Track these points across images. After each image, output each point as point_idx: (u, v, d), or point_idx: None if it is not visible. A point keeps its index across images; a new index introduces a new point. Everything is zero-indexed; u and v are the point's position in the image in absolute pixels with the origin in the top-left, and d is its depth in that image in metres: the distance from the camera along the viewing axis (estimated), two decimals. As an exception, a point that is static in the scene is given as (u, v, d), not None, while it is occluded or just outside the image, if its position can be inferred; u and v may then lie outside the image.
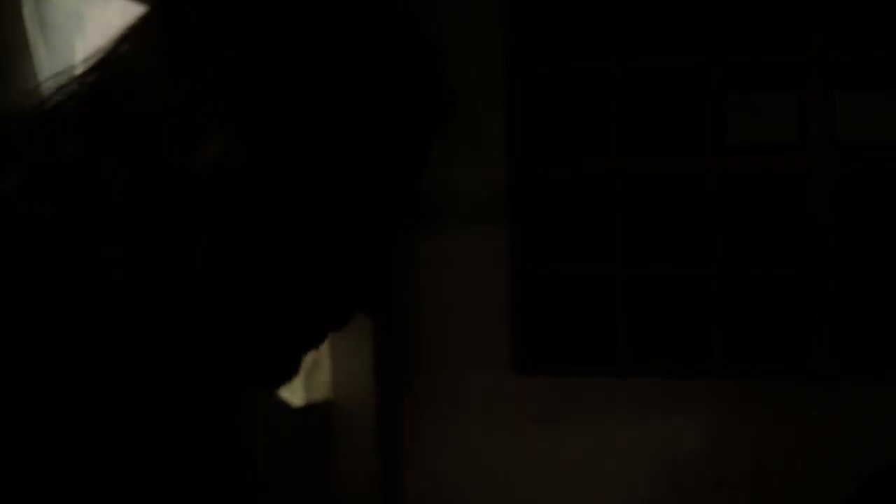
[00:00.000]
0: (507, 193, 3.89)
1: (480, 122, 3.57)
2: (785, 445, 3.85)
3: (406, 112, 0.76)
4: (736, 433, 3.91)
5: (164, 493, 0.76)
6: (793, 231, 3.94)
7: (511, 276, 3.95)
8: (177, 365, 0.77)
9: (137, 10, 2.50)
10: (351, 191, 0.74)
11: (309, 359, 0.84)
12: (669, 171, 4.01)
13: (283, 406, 3.50)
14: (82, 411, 0.71)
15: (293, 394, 3.58)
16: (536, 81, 4.00)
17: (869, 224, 3.92)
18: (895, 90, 3.86)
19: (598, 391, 3.98)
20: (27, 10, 2.57)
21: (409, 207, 0.81)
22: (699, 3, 3.92)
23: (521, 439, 3.95)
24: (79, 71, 0.79)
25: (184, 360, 0.77)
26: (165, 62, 0.74)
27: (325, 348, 3.53)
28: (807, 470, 3.78)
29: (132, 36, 0.79)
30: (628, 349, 3.99)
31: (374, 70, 0.74)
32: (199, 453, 0.81)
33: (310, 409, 3.70)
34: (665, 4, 3.98)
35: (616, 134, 3.97)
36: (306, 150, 0.72)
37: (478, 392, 3.95)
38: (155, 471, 0.75)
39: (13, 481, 0.66)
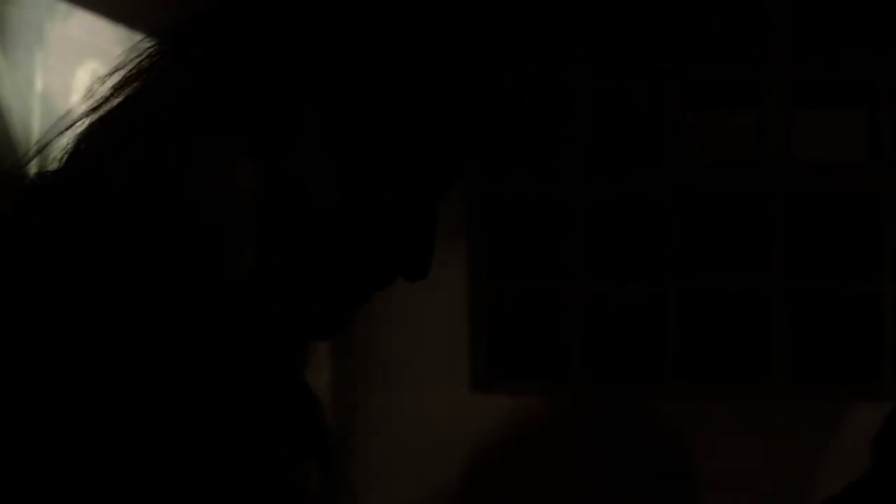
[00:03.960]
0: (466, 212, 3.88)
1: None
2: (742, 457, 3.89)
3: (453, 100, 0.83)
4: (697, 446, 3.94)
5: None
6: (751, 247, 3.97)
7: (469, 296, 3.94)
8: (256, 328, 0.84)
9: (100, 25, 2.43)
10: (403, 161, 0.83)
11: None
12: (629, 186, 4.02)
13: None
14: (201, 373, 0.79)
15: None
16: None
17: (825, 241, 3.96)
18: (852, 111, 3.90)
19: (554, 409, 3.99)
20: None
21: (454, 182, 0.87)
22: (661, 23, 3.91)
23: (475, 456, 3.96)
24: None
25: (259, 323, 0.85)
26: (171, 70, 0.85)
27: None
28: (762, 483, 3.83)
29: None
30: (582, 368, 3.99)
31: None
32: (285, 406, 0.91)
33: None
34: (634, 20, 3.96)
35: (575, 155, 3.96)
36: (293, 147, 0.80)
37: (434, 410, 3.94)
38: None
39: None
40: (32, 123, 2.73)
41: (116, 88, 0.85)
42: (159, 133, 0.80)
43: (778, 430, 3.88)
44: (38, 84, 2.75)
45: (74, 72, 2.95)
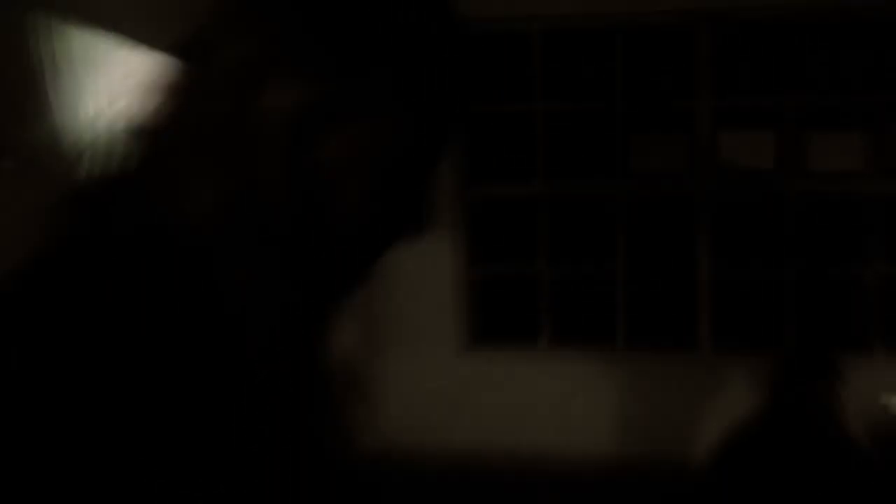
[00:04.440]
0: (453, 218, 4.98)
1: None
2: (673, 410, 4.87)
3: (442, 63, 0.86)
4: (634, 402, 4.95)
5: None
6: (677, 228, 4.97)
7: (455, 281, 5.06)
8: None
9: (142, 58, 3.46)
10: (408, 120, 0.84)
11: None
12: (584, 192, 5.04)
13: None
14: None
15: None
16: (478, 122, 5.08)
17: (740, 235, 4.93)
18: (767, 132, 4.86)
19: (525, 366, 5.07)
20: (44, 53, 3.52)
21: (447, 145, 0.89)
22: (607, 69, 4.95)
23: (464, 397, 5.07)
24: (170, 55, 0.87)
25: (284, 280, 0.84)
26: (238, 30, 0.82)
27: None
28: (693, 433, 4.77)
29: (213, 18, 0.86)
30: (549, 335, 5.06)
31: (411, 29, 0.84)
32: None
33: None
34: (578, 60, 5.01)
35: (543, 162, 5.03)
36: (357, 89, 0.81)
37: (429, 364, 5.08)
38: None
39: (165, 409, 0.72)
40: (84, 136, 3.74)
41: (157, 108, 0.85)
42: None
43: (700, 387, 4.87)
44: (92, 106, 3.70)
45: (119, 97, 3.98)
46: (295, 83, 0.80)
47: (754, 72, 4.88)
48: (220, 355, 0.78)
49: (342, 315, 0.93)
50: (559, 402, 5.04)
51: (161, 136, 0.83)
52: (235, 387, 0.79)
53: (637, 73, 4.98)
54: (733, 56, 4.89)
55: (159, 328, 0.75)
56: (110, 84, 3.73)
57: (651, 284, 5.04)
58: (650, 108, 4.98)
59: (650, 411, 4.91)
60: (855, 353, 4.40)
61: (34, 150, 3.36)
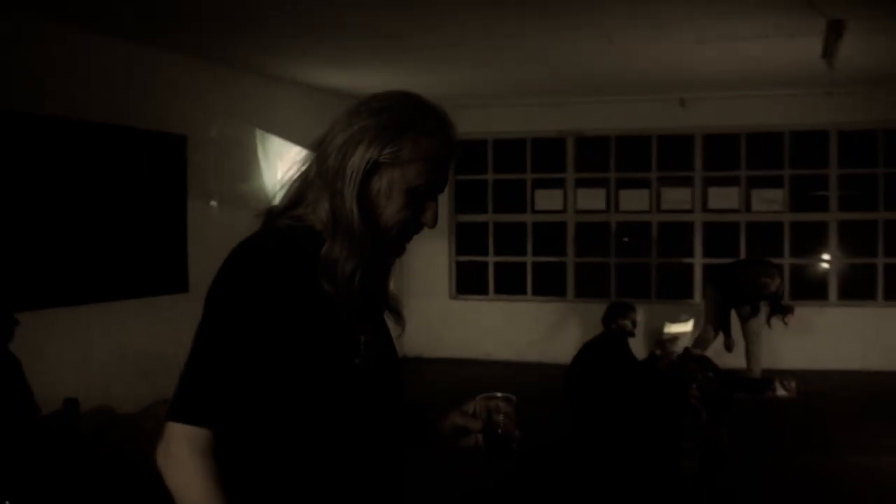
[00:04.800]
0: (449, 227, 10.11)
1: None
2: (552, 333, 9.94)
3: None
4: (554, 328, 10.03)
5: None
6: (559, 242, 10.04)
7: (449, 263, 10.21)
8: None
9: (307, 154, 8.70)
10: (420, 169, 1.61)
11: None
12: (510, 220, 10.15)
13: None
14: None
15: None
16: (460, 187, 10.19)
17: (592, 241, 9.98)
18: (603, 189, 9.91)
19: (480, 306, 10.17)
20: (258, 146, 8.43)
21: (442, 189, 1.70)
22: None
23: (451, 321, 10.14)
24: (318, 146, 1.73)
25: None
26: (343, 128, 1.64)
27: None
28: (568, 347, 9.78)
29: (337, 124, 1.70)
30: (494, 291, 10.17)
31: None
32: None
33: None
34: (508, 152, 10.14)
35: (492, 203, 10.15)
36: (394, 151, 1.58)
37: (431, 307, 10.17)
38: None
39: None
40: (276, 190, 8.63)
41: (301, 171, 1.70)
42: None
43: (570, 321, 10.00)
44: (279, 174, 8.53)
45: (287, 167, 9.00)
46: (366, 150, 1.61)
47: (598, 163, 9.96)
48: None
49: (392, 274, 1.80)
50: (501, 326, 10.09)
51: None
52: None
53: (539, 159, 10.08)
54: (586, 154, 9.97)
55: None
56: (283, 166, 8.81)
57: (550, 266, 10.12)
58: (545, 177, 10.07)
59: (547, 334, 9.94)
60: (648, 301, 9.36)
61: (237, 197, 7.97)
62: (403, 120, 1.66)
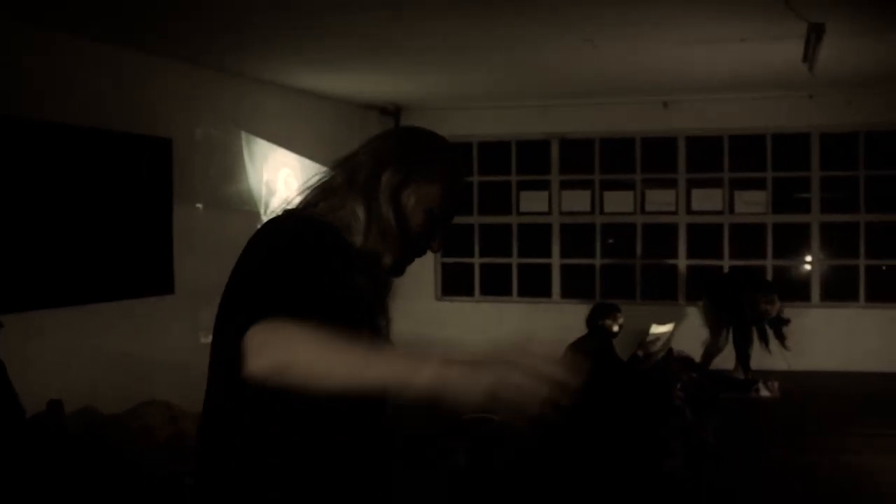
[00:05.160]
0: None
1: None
2: (538, 329, 9.99)
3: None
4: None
5: None
6: (544, 244, 10.09)
7: (435, 266, 10.25)
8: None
9: (290, 154, 8.89)
10: (437, 187, 1.80)
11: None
12: (495, 222, 10.20)
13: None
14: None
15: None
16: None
17: (577, 242, 10.04)
18: (588, 191, 9.97)
19: (466, 307, 10.21)
20: (244, 149, 8.50)
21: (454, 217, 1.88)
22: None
23: (437, 322, 10.18)
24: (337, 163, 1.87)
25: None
26: (375, 147, 1.82)
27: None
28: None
29: (363, 145, 1.87)
30: (479, 293, 10.21)
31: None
32: None
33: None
34: (493, 155, 10.18)
35: (477, 205, 10.18)
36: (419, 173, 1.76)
37: (417, 308, 10.20)
38: None
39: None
40: (262, 193, 8.71)
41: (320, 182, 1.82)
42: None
43: (555, 320, 10.04)
44: (264, 176, 8.82)
45: (278, 173, 9.04)
46: (399, 166, 1.79)
47: (583, 165, 10.02)
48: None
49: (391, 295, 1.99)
50: (486, 327, 10.13)
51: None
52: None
53: (524, 161, 10.13)
54: (570, 156, 10.03)
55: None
56: (269, 169, 8.84)
57: (536, 266, 10.17)
58: (530, 179, 10.12)
59: (533, 335, 9.97)
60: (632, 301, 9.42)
61: (223, 199, 8.05)
62: (432, 147, 1.86)
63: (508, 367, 1.46)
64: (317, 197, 1.82)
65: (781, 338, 8.02)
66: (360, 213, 1.76)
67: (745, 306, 8.08)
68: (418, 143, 1.86)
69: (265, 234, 1.70)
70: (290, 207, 1.83)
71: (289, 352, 1.44)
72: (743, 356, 8.19)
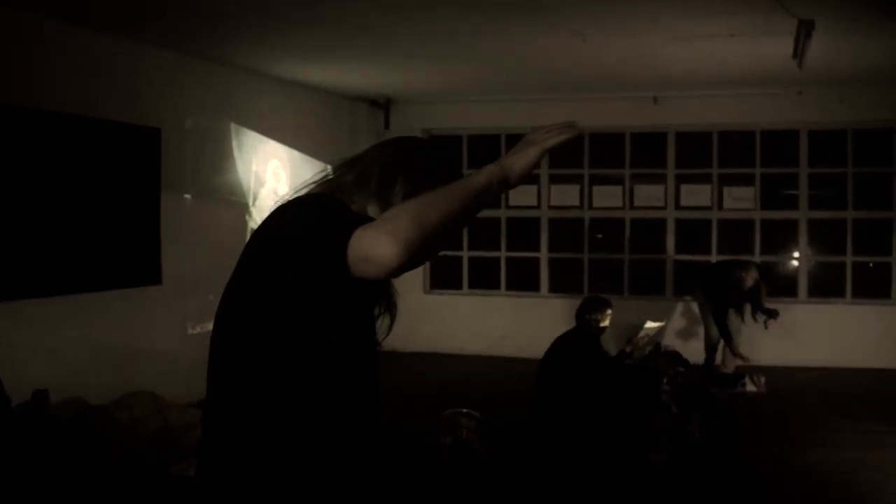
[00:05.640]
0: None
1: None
2: (530, 326, 9.99)
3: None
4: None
5: None
6: (532, 237, 10.09)
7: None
8: None
9: (280, 146, 8.94)
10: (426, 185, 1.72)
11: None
12: (484, 215, 10.21)
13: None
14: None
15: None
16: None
17: (565, 236, 10.04)
18: (577, 185, 9.97)
19: (454, 300, 10.20)
20: (233, 140, 8.51)
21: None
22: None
23: (425, 316, 10.18)
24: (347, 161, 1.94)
25: None
26: (379, 156, 1.86)
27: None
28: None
29: (371, 151, 1.93)
30: (468, 286, 10.21)
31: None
32: None
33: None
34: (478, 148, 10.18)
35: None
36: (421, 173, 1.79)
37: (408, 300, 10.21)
38: None
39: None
40: (251, 184, 8.69)
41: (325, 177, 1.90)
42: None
43: (543, 316, 10.04)
44: (253, 167, 8.82)
45: (267, 164, 9.04)
46: (407, 176, 1.84)
47: (572, 160, 10.02)
48: None
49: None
50: (475, 320, 10.13)
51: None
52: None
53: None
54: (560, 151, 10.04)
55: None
56: (258, 160, 8.82)
57: (525, 260, 10.17)
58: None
59: (521, 328, 9.99)
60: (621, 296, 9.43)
61: (211, 190, 8.13)
62: (439, 156, 1.91)
63: (536, 134, 1.78)
64: (324, 191, 1.85)
65: (765, 313, 8.14)
66: (376, 213, 1.79)
67: (724, 277, 8.24)
68: (427, 152, 1.92)
69: (288, 210, 1.69)
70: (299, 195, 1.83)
71: (400, 224, 1.51)
72: (725, 334, 8.26)
